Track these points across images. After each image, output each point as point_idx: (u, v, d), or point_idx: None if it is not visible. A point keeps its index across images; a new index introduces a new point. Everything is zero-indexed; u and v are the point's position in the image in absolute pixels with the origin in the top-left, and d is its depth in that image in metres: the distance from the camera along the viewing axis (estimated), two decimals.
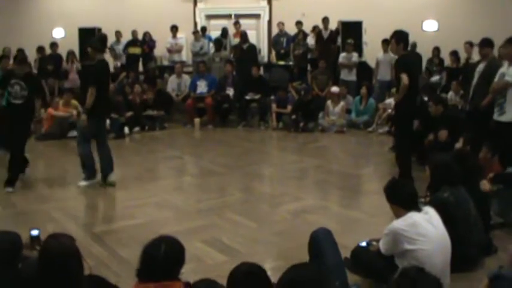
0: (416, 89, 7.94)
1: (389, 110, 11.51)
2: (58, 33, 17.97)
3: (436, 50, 14.66)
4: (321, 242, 4.36)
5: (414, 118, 8.26)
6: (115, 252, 5.71)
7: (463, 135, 7.25)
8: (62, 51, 15.92)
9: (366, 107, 13.37)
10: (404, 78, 7.53)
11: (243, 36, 15.38)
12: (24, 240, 3.88)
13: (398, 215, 4.44)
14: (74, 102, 13.13)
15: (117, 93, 14.06)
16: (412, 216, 4.33)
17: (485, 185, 6.10)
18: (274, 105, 13.80)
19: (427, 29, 15.97)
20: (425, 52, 14.53)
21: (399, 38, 7.81)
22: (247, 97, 13.96)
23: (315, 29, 15.63)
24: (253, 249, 5.79)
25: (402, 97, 7.64)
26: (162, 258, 3.31)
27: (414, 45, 14.35)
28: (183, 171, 10.19)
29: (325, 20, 15.39)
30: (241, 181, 8.89)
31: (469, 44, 12.62)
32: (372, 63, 14.78)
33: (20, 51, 11.00)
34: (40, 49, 15.67)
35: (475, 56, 11.28)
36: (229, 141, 12.31)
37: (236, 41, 15.92)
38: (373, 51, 14.71)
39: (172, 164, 10.55)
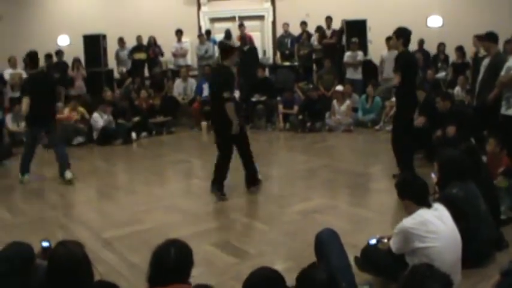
0: (414, 85, 7.98)
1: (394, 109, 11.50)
2: (63, 40, 18.00)
3: (442, 46, 14.62)
4: (325, 243, 4.34)
5: (414, 114, 8.25)
6: (125, 257, 5.71)
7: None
8: (67, 58, 15.95)
9: (372, 105, 13.34)
10: (397, 78, 7.68)
11: (243, 39, 15.44)
12: (36, 250, 3.89)
13: (409, 211, 4.42)
14: (81, 109, 13.19)
15: (123, 99, 14.12)
16: (422, 214, 4.32)
17: (501, 182, 6.10)
18: (280, 106, 13.81)
19: (432, 25, 15.90)
20: (430, 48, 14.53)
21: (399, 34, 7.86)
22: (254, 99, 13.97)
23: (319, 29, 15.60)
24: (263, 251, 5.78)
25: (402, 95, 7.69)
26: (172, 263, 3.30)
27: (421, 42, 14.33)
28: (191, 174, 10.19)
29: (328, 19, 15.42)
30: None
31: (477, 38, 12.56)
32: (377, 61, 14.75)
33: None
34: (48, 57, 15.70)
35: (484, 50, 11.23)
36: None
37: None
38: (378, 49, 14.69)
39: (180, 167, 10.56)
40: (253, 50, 15.69)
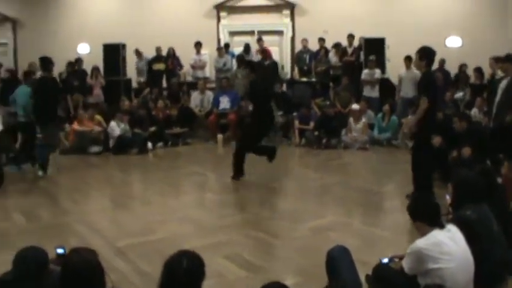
0: (436, 106, 7.91)
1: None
2: (83, 48, 18.18)
3: (464, 66, 14.60)
4: (337, 260, 4.35)
5: (434, 134, 8.20)
6: (137, 266, 5.74)
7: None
8: (87, 66, 16.08)
9: (389, 124, 13.32)
10: (423, 102, 7.53)
11: (265, 53, 15.48)
12: (50, 256, 3.92)
13: (422, 233, 4.40)
14: (98, 117, 13.28)
15: (140, 108, 14.19)
16: (435, 235, 4.30)
17: None
18: (296, 122, 13.82)
19: (451, 45, 15.91)
20: (449, 68, 14.51)
21: (423, 54, 7.76)
22: None
23: (337, 46, 15.61)
24: (274, 265, 5.80)
25: (424, 114, 7.61)
26: (183, 273, 3.30)
27: (442, 61, 14.30)
28: (205, 187, 10.21)
29: (350, 37, 15.45)
30: (263, 197, 8.89)
31: (494, 60, 12.52)
32: (394, 80, 14.71)
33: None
34: (69, 64, 15.84)
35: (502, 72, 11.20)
36: (252, 158, 12.26)
37: (259, 57, 16.00)
38: (396, 68, 14.65)
39: (195, 180, 10.59)
40: (274, 64, 15.75)
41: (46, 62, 10.46)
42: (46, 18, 18.89)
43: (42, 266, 3.60)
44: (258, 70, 10.47)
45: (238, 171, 9.85)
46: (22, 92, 10.94)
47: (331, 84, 15.78)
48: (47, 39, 18.30)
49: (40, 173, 10.27)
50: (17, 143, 11.47)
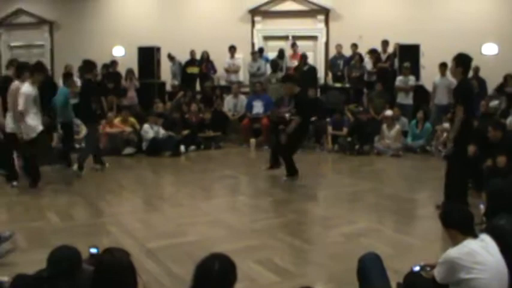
0: (472, 113, 7.80)
1: (445, 134, 11.36)
2: (118, 51, 18.36)
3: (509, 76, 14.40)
4: (368, 267, 4.32)
5: (470, 143, 8.09)
6: (168, 268, 5.77)
7: None
8: (121, 69, 16.23)
9: (422, 131, 13.22)
10: (460, 111, 7.44)
11: (304, 58, 15.47)
12: (83, 255, 3.97)
13: (454, 241, 4.35)
14: (132, 119, 13.39)
15: (173, 111, 14.27)
16: (468, 245, 4.24)
17: None
18: (330, 128, 13.78)
19: (487, 53, 15.73)
20: (484, 76, 14.33)
21: (459, 62, 7.66)
22: None
23: (372, 52, 15.53)
24: (305, 271, 5.79)
25: (460, 123, 7.52)
26: (215, 276, 3.30)
27: (477, 69, 14.12)
28: (237, 190, 10.24)
29: (384, 43, 15.36)
30: (295, 202, 8.87)
31: None
32: (429, 87, 14.58)
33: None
34: (104, 66, 16.00)
35: None
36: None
37: (293, 62, 16.02)
38: (430, 75, 14.52)
39: (227, 183, 10.63)
40: (312, 70, 15.74)
41: (89, 65, 11.10)
42: (82, 20, 19.17)
43: (75, 265, 3.64)
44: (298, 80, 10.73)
45: (292, 170, 10.06)
46: (60, 92, 11.21)
47: (365, 90, 15.71)
48: (83, 41, 18.58)
49: (77, 170, 10.56)
50: (52, 143, 11.60)
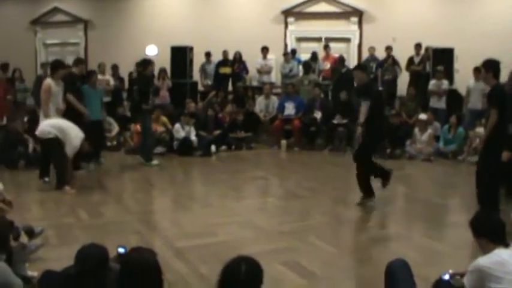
0: (506, 119, 7.70)
1: (478, 140, 11.21)
2: (151, 50, 18.47)
3: None
4: (396, 273, 4.28)
5: (504, 149, 7.98)
6: (195, 268, 5.79)
7: None
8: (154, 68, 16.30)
9: (455, 135, 13.08)
10: (493, 115, 7.35)
11: (341, 60, 15.42)
12: (111, 253, 4.00)
13: (485, 250, 4.28)
14: (164, 118, 13.46)
15: (205, 111, 14.31)
16: (499, 254, 4.17)
17: None
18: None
19: None
20: None
21: (489, 67, 7.58)
22: (335, 121, 13.92)
23: (410, 60, 15.37)
24: (332, 275, 5.75)
25: (492, 127, 7.44)
26: (241, 279, 3.30)
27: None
28: (267, 192, 10.26)
29: (418, 46, 15.23)
30: (325, 205, 8.86)
31: None
32: (462, 91, 14.41)
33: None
34: (138, 65, 16.08)
35: None
36: (315, 165, 12.30)
37: (326, 64, 15.98)
38: (464, 79, 14.34)
39: (257, 184, 10.65)
40: (350, 72, 15.65)
41: (146, 62, 12.07)
42: (116, 19, 19.36)
43: (102, 263, 3.68)
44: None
45: (368, 192, 8.72)
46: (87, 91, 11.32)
47: (397, 93, 15.59)
48: (117, 40, 18.79)
49: (154, 162, 11.62)
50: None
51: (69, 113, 9.92)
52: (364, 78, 9.14)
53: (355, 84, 13.09)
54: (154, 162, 11.55)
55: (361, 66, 10.80)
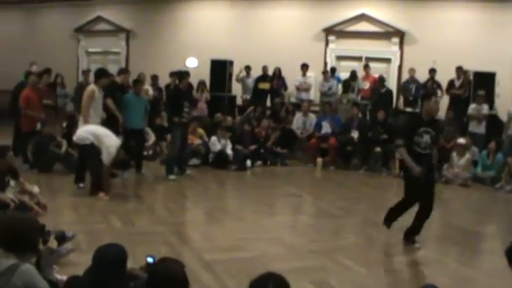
0: None
1: None
2: (191, 62, 18.59)
3: None
4: None
5: None
6: (223, 282, 5.78)
7: None
8: (193, 80, 16.38)
9: (494, 162, 12.88)
10: None
11: (381, 80, 15.37)
12: (140, 263, 4.00)
13: None
14: (200, 131, 13.51)
15: (242, 126, 14.34)
16: None
17: None
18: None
19: None
20: None
21: None
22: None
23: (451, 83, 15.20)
24: None
25: None
26: None
27: None
28: (299, 209, 10.21)
29: (459, 70, 15.06)
30: (357, 226, 8.78)
31: None
32: (503, 117, 14.21)
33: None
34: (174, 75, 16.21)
35: None
36: (350, 185, 12.22)
37: (365, 84, 15.92)
38: (505, 104, 14.16)
39: (290, 201, 10.61)
40: (389, 93, 15.63)
41: (182, 74, 12.03)
42: (158, 30, 19.60)
43: (120, 263, 3.69)
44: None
45: (390, 218, 8.08)
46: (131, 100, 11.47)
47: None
48: (157, 51, 19.00)
49: (171, 177, 11.31)
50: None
51: (109, 121, 10.05)
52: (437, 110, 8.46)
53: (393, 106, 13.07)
54: (171, 177, 11.32)
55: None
